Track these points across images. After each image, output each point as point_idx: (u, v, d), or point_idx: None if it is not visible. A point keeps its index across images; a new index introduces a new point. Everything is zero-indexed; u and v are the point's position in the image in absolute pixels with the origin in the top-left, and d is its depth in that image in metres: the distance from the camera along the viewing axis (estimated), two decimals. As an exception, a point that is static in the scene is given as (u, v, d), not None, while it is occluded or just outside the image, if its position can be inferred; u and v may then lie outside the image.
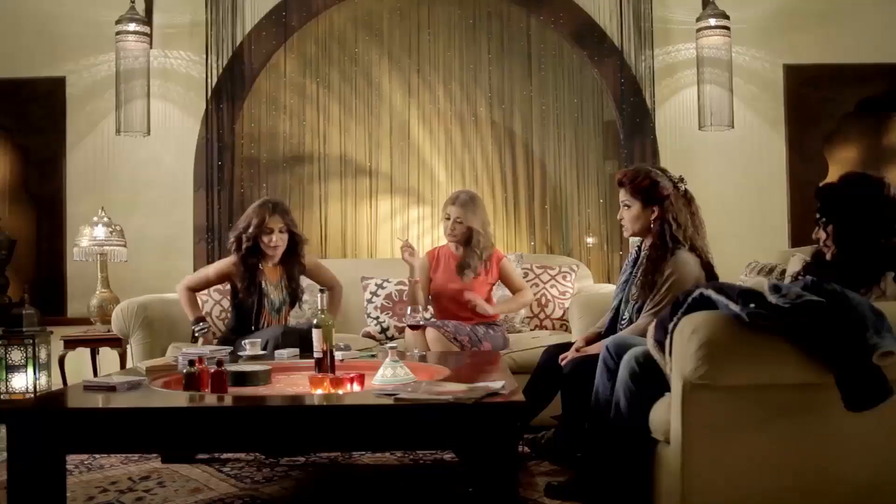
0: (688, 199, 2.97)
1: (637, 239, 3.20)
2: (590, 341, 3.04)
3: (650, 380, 2.29)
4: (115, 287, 4.65)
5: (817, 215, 2.45)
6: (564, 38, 4.99)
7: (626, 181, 2.99)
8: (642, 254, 3.03)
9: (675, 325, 2.11)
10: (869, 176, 2.45)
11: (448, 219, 3.84)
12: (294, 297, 3.81)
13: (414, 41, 5.02)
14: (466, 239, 3.83)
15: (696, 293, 2.14)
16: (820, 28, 4.98)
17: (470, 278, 3.77)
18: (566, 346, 3.11)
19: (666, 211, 2.91)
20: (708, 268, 2.93)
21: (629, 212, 2.99)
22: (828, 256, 2.46)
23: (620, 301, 3.03)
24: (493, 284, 3.92)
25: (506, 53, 5.02)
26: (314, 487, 2.86)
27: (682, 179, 2.98)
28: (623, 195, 3.00)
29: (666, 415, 2.17)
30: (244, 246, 3.63)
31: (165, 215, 5.01)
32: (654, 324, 2.27)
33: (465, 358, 3.23)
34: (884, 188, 2.38)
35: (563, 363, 2.96)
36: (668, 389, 2.19)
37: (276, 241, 3.65)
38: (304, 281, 4.35)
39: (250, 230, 3.63)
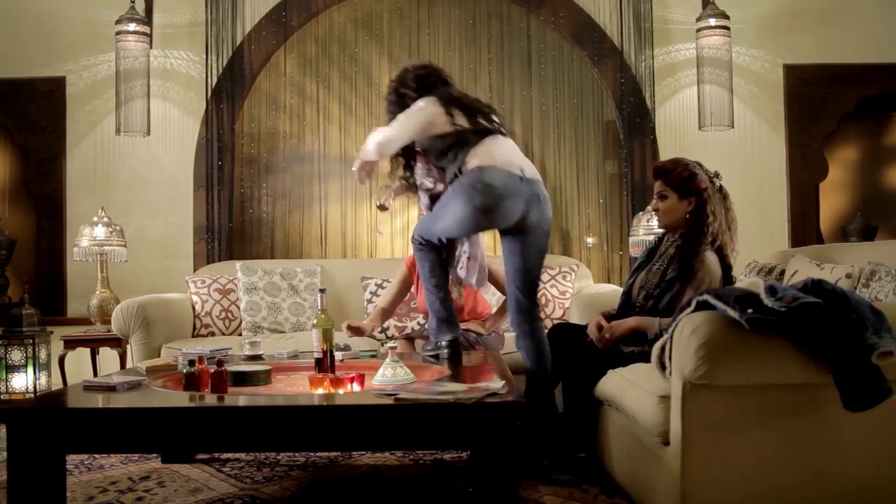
0: (723, 194, 2.93)
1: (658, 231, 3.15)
2: (607, 319, 2.98)
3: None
4: (114, 287, 4.65)
5: None
6: (564, 38, 4.99)
7: (663, 172, 2.94)
8: (665, 245, 2.99)
9: (676, 326, 2.11)
10: None
11: None
12: None
13: (414, 41, 5.02)
14: None
15: (699, 298, 2.13)
16: (820, 28, 4.98)
17: (463, 294, 3.54)
18: (573, 326, 3.11)
19: (704, 203, 2.87)
20: (726, 269, 2.88)
21: (665, 203, 2.92)
22: None
23: (631, 285, 3.00)
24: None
25: (506, 53, 5.02)
26: (314, 487, 2.86)
27: (717, 175, 2.93)
28: (659, 186, 2.93)
29: (664, 413, 2.17)
30: None
31: (165, 215, 5.01)
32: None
33: (464, 358, 3.22)
34: None
35: (598, 343, 2.90)
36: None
37: None
38: (304, 281, 4.35)
39: None
